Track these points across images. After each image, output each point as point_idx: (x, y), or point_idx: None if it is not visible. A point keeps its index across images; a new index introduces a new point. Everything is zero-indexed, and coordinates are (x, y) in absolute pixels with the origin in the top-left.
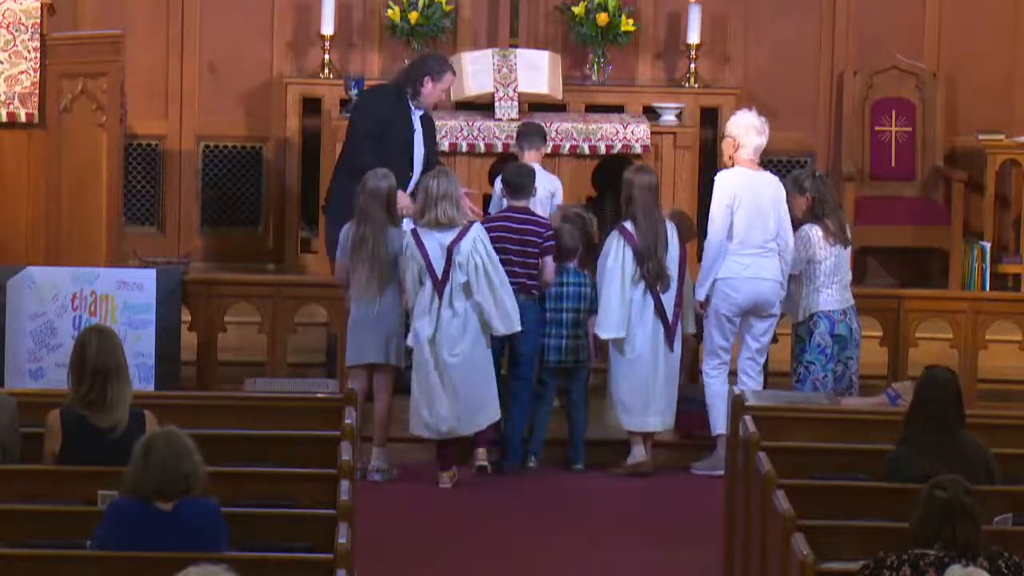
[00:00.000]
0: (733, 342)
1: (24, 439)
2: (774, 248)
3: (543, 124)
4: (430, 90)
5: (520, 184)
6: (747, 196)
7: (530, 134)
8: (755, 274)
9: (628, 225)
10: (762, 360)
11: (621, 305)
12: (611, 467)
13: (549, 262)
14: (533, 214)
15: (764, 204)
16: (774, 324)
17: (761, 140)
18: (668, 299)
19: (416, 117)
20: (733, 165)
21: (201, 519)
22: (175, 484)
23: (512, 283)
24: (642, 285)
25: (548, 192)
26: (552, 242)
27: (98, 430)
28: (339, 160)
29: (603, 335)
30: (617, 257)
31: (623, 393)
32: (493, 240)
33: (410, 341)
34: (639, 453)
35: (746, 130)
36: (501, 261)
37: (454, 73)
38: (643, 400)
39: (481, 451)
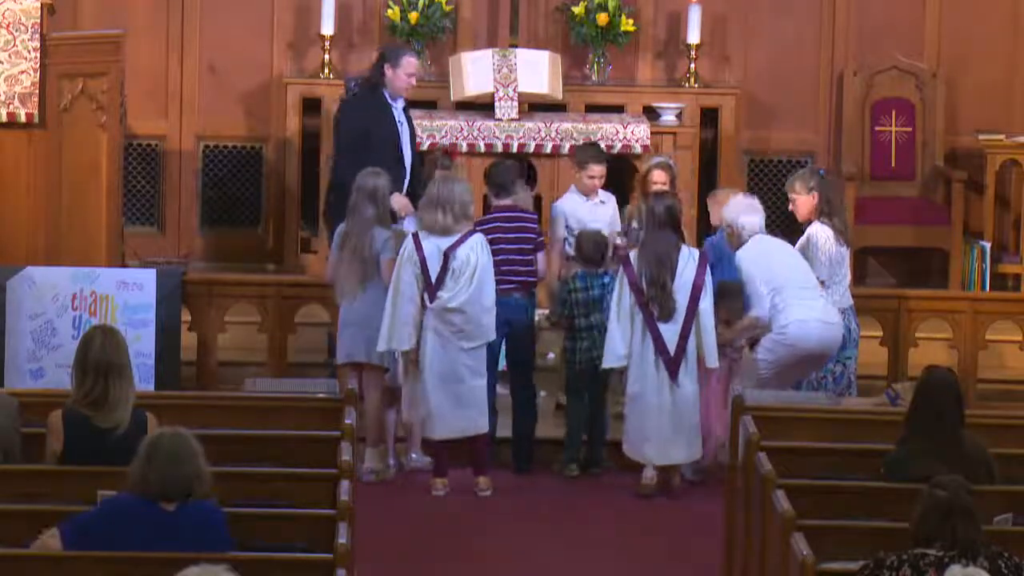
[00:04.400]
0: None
1: (24, 439)
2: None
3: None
4: (391, 77)
5: (502, 183)
6: (774, 255)
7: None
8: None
9: (632, 254)
10: None
11: (620, 335)
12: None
13: (542, 257)
14: (522, 211)
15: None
16: None
17: (758, 217)
18: (671, 329)
19: (399, 110)
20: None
21: (202, 521)
22: (176, 486)
23: (513, 281)
24: (640, 316)
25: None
26: (543, 237)
27: (100, 430)
28: (331, 175)
29: (603, 365)
30: (618, 287)
31: (626, 421)
32: (489, 242)
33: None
34: (647, 475)
35: (738, 211)
36: (499, 261)
37: (414, 54)
38: (642, 433)
39: (483, 480)
